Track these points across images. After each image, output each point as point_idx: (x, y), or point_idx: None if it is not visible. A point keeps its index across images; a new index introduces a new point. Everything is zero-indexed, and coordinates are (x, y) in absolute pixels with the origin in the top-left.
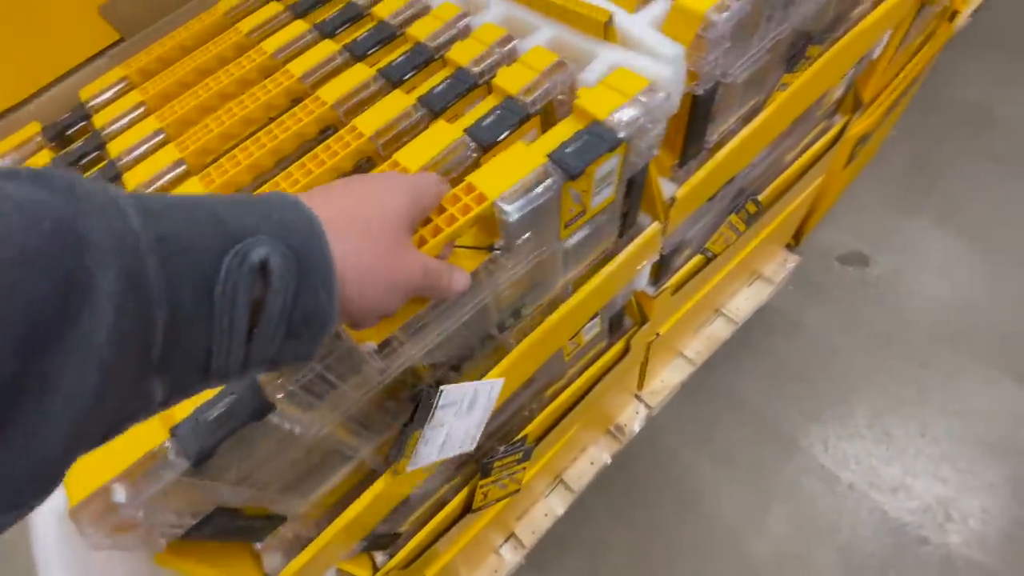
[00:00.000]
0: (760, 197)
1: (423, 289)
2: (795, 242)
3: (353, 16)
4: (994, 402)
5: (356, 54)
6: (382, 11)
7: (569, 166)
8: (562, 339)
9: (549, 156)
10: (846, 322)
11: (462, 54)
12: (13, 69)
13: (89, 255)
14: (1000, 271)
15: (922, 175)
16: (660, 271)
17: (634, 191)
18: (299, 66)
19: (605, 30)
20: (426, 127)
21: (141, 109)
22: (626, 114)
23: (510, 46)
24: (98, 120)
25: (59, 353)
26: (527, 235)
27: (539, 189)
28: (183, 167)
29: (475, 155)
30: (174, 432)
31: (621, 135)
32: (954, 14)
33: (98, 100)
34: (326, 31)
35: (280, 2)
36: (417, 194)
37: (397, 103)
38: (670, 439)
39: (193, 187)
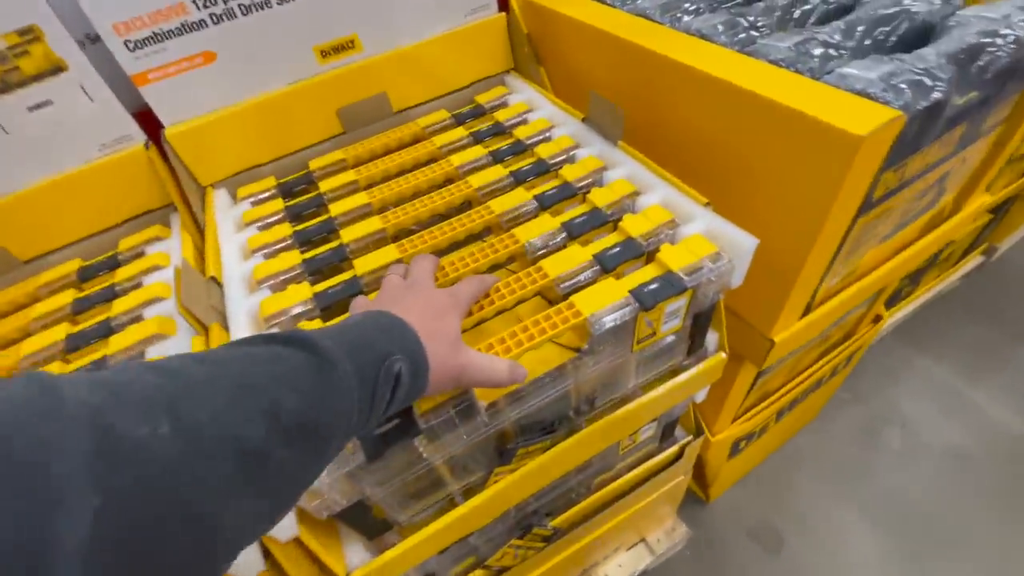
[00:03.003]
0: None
1: (468, 381)
2: (706, 498)
3: (519, 150)
4: None
5: (519, 180)
6: (543, 151)
7: (644, 301)
8: (622, 433)
9: (631, 292)
10: None
11: (599, 197)
12: (265, 141)
13: (338, 392)
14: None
15: (860, 455)
16: None
17: (701, 322)
18: (476, 180)
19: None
20: (563, 246)
21: (355, 185)
22: (694, 269)
23: (634, 200)
24: (322, 185)
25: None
26: (606, 344)
27: (619, 314)
28: (383, 234)
29: (596, 275)
30: (358, 437)
31: (688, 284)
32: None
33: (323, 171)
34: (498, 158)
35: (465, 128)
36: (463, 310)
37: (545, 224)
38: None
39: (390, 253)
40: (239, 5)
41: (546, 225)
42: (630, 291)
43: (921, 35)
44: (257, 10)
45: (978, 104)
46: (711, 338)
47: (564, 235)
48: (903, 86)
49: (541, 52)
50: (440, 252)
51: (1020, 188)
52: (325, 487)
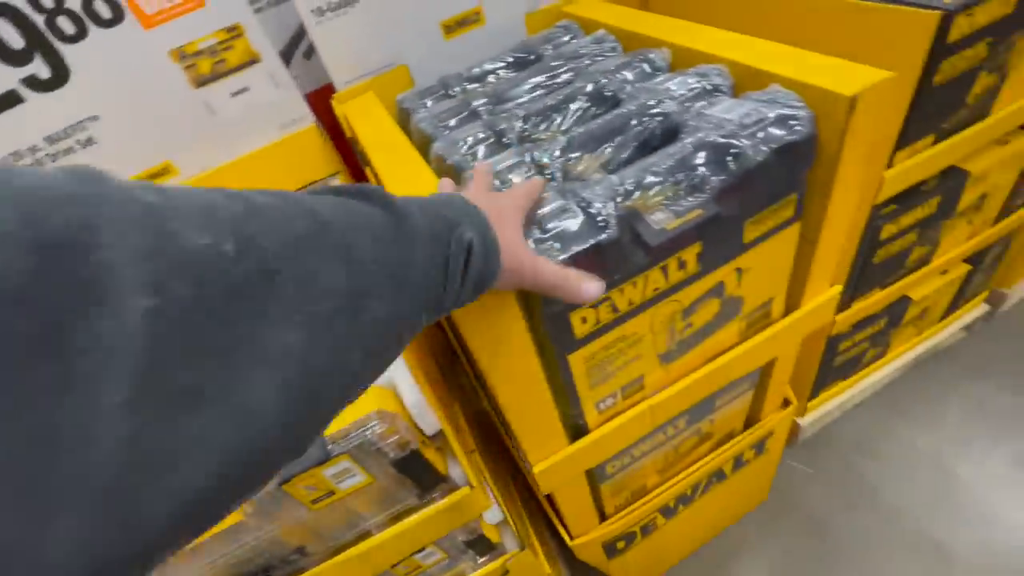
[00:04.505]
0: None
1: (539, 282)
2: None
3: None
4: None
5: None
6: None
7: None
8: (373, 570)
9: None
10: None
11: None
12: None
13: (415, 245)
14: None
15: (817, 546)
16: None
17: (411, 468)
18: None
19: None
20: None
21: None
22: (342, 436)
23: None
24: None
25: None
26: (271, 509)
27: None
28: None
29: None
30: None
31: (330, 454)
32: None
33: None
34: None
35: None
36: (522, 213)
37: None
38: None
39: None
40: (47, 155)
41: None
42: None
43: (669, 137)
44: (65, 156)
45: (711, 221)
46: (457, 472)
47: None
48: (567, 226)
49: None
50: None
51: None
52: None
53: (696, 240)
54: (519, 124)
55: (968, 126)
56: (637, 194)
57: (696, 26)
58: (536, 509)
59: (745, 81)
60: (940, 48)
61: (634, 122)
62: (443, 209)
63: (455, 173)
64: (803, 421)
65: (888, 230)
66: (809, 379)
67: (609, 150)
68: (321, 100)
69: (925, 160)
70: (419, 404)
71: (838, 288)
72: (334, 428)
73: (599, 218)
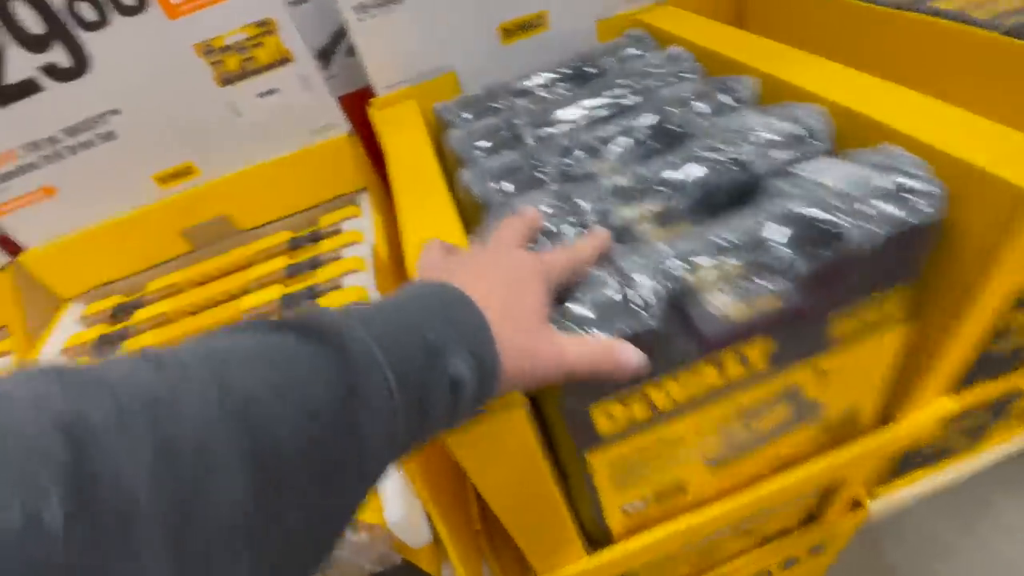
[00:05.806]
0: None
1: (571, 375)
2: None
3: (309, 297)
4: None
5: None
6: (322, 303)
7: None
8: None
9: None
10: None
11: None
12: (116, 261)
13: (370, 409)
14: None
15: None
16: None
17: None
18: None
19: None
20: None
21: (161, 318)
22: None
23: None
24: (136, 315)
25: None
26: None
27: None
28: None
29: None
30: None
31: None
32: None
33: (152, 296)
34: (284, 304)
35: (290, 257)
36: (552, 282)
37: None
38: None
39: None
40: (66, 147)
41: None
42: None
43: (742, 193)
44: (84, 149)
45: (788, 314)
46: None
47: None
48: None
49: None
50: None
51: None
52: None
53: (766, 334)
54: (560, 157)
55: None
56: (693, 269)
57: (797, 52)
58: None
59: (853, 133)
60: None
61: (700, 168)
62: (424, 325)
63: (482, 210)
64: (870, 506)
65: (1018, 320)
66: (885, 469)
67: (664, 199)
68: (360, 102)
69: None
70: (404, 519)
71: (946, 403)
72: None
73: (637, 300)
